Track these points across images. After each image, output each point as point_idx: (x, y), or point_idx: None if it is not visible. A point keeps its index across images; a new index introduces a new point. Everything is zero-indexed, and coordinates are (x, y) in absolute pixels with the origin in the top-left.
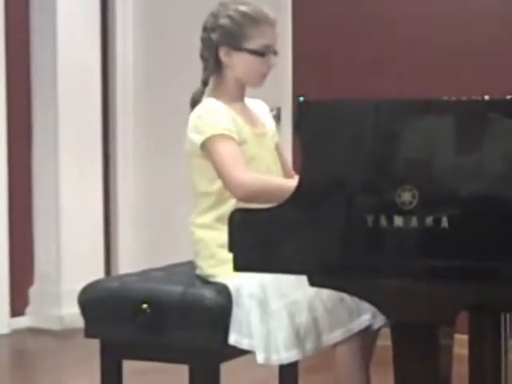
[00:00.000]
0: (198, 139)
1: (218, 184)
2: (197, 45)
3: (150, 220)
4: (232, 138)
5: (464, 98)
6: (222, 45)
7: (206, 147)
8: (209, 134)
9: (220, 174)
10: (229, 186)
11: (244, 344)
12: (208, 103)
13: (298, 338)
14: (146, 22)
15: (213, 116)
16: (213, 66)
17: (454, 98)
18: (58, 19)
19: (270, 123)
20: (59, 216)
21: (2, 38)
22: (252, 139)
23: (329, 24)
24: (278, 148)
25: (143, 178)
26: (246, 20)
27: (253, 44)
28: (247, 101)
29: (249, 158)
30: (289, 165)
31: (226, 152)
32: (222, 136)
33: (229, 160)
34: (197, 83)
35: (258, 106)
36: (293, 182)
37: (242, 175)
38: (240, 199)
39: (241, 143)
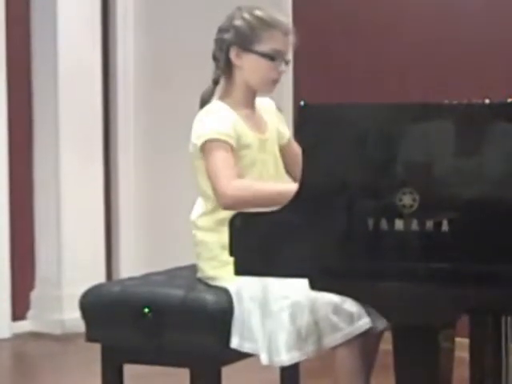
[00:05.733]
0: (197, 142)
1: None
2: (198, 45)
3: (152, 224)
4: (227, 144)
5: (464, 102)
6: (233, 45)
7: (203, 151)
8: (206, 137)
9: (210, 181)
10: (215, 194)
11: (246, 347)
12: (211, 106)
13: (299, 340)
14: (146, 23)
15: (212, 120)
16: (223, 66)
17: (454, 102)
18: (58, 20)
19: (273, 123)
20: (60, 220)
21: (3, 38)
22: (256, 144)
23: (330, 26)
24: (289, 148)
25: (144, 181)
26: (259, 23)
27: (263, 47)
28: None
29: (249, 163)
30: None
31: (216, 159)
32: (217, 141)
33: (217, 168)
34: (197, 83)
35: (264, 105)
36: (291, 185)
37: (226, 185)
38: (223, 208)
39: (242, 148)
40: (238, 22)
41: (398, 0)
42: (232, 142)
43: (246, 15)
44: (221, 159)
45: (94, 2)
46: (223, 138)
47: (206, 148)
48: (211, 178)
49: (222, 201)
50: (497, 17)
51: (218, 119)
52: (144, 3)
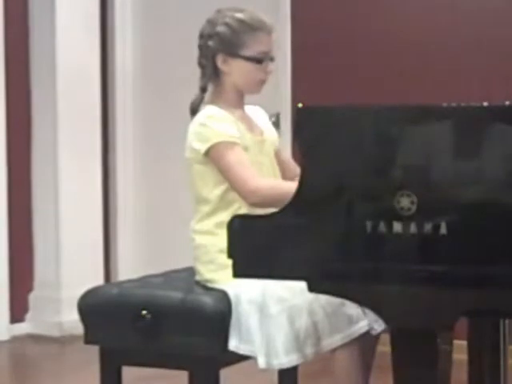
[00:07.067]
0: (201, 147)
1: (219, 190)
2: (196, 49)
3: (150, 226)
4: (238, 144)
5: (463, 104)
6: (219, 52)
7: (211, 155)
8: (214, 141)
9: (230, 180)
10: (241, 192)
11: (244, 349)
12: (210, 110)
13: (298, 342)
14: (145, 27)
15: (217, 123)
16: (211, 73)
17: (452, 104)
18: (56, 23)
19: (268, 130)
20: (59, 222)
21: (2, 42)
22: (253, 146)
23: (328, 29)
24: (278, 155)
25: (143, 184)
26: (242, 27)
27: (250, 51)
28: (246, 108)
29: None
30: (293, 168)
31: (234, 159)
32: (228, 143)
33: (238, 166)
34: (196, 86)
35: (256, 114)
36: None
37: (254, 181)
38: (253, 205)
39: (243, 150)
40: (220, 28)
41: (397, 0)
42: (240, 142)
43: (229, 20)
44: (238, 157)
45: (93, 5)
46: (234, 139)
47: (215, 151)
48: (232, 176)
49: (249, 198)
50: (497, 17)
51: (221, 122)
52: (142, 6)
